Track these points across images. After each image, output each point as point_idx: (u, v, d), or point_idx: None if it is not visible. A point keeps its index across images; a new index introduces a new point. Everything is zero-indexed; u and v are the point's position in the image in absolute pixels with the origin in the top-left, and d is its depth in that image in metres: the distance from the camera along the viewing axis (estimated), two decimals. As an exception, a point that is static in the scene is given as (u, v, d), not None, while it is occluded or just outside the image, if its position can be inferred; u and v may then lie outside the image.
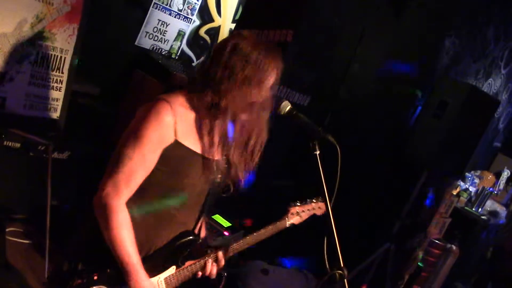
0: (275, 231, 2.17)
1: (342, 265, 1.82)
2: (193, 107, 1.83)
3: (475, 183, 7.38)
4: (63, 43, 2.96)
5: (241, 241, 2.08)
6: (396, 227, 4.63)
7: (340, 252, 1.83)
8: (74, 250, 1.93)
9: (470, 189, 7.23)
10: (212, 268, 2.01)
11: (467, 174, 7.33)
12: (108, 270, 1.80)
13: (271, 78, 1.86)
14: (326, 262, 1.86)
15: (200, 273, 2.01)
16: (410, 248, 5.56)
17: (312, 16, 3.70)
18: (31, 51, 2.81)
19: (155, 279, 1.89)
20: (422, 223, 5.51)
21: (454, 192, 6.41)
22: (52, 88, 2.99)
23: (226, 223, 3.22)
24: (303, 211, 2.25)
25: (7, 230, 3.13)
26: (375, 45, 4.68)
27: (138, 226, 1.80)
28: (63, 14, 2.90)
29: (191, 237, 1.95)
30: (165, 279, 1.92)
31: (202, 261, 1.99)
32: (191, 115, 1.83)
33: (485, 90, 6.32)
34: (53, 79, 2.99)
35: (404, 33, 4.61)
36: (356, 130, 4.61)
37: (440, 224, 6.14)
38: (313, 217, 2.33)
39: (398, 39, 4.68)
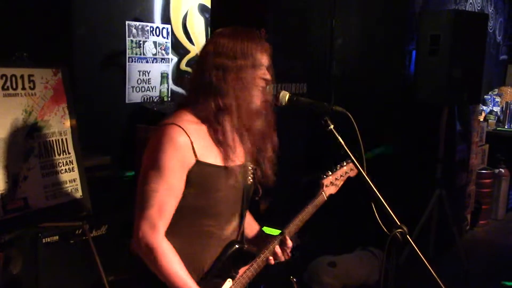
0: (316, 209, 2.12)
1: (399, 223, 1.80)
2: (201, 120, 1.80)
3: (497, 102, 7.28)
4: (59, 126, 2.99)
5: (286, 230, 2.03)
6: (439, 172, 4.56)
7: (392, 213, 1.81)
8: None
9: (495, 109, 7.13)
10: (282, 251, 1.97)
11: (486, 96, 7.23)
12: None
13: (264, 58, 1.84)
14: (383, 227, 1.84)
15: (272, 260, 1.96)
16: (460, 187, 5.47)
17: (277, 7, 3.71)
18: (33, 145, 2.85)
19: None
20: (462, 159, 5.43)
21: (481, 118, 6.33)
22: (66, 171, 3.01)
23: (275, 231, 3.19)
24: (336, 178, 2.18)
25: (78, 320, 3.14)
26: (349, 10, 4.67)
27: (181, 254, 1.77)
28: (48, 99, 2.94)
29: (236, 246, 1.93)
30: None
31: (262, 256, 1.95)
32: (202, 129, 1.80)
33: (469, 10, 6.25)
34: (63, 162, 3.01)
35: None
36: (364, 97, 4.57)
37: (480, 154, 6.05)
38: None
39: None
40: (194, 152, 1.75)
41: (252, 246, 2.02)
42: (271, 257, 1.97)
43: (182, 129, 1.73)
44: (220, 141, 1.80)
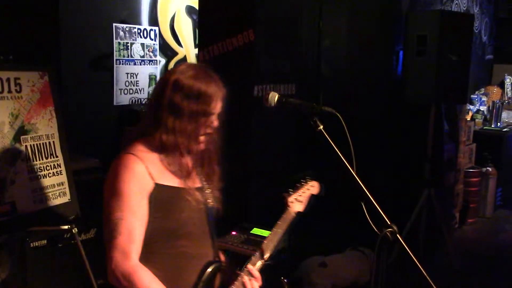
0: (287, 224, 2.12)
1: (389, 223, 1.80)
2: (154, 149, 1.84)
3: (483, 101, 7.34)
4: (46, 129, 2.97)
5: (258, 252, 2.02)
6: (427, 171, 4.58)
7: (382, 212, 1.81)
8: None
9: (482, 109, 7.19)
10: (252, 283, 1.94)
11: (472, 96, 7.29)
12: None
13: (218, 107, 1.88)
14: (373, 227, 1.84)
15: None
16: (449, 186, 5.51)
17: (265, 8, 3.71)
18: (19, 149, 2.82)
19: None
20: (450, 159, 5.46)
21: (468, 118, 6.37)
22: (53, 174, 2.99)
23: (265, 233, 3.19)
24: (299, 195, 2.21)
25: (67, 325, 3.12)
26: (337, 11, 4.69)
27: (161, 279, 1.76)
28: (35, 102, 2.92)
29: (214, 265, 1.93)
30: None
31: (239, 282, 1.94)
32: (157, 157, 1.84)
33: (455, 11, 6.30)
34: (51, 165, 2.99)
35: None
36: (352, 97, 4.59)
37: (467, 153, 6.09)
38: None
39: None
40: (151, 176, 1.80)
41: (229, 265, 2.01)
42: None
43: (137, 157, 1.79)
44: (172, 168, 1.85)
